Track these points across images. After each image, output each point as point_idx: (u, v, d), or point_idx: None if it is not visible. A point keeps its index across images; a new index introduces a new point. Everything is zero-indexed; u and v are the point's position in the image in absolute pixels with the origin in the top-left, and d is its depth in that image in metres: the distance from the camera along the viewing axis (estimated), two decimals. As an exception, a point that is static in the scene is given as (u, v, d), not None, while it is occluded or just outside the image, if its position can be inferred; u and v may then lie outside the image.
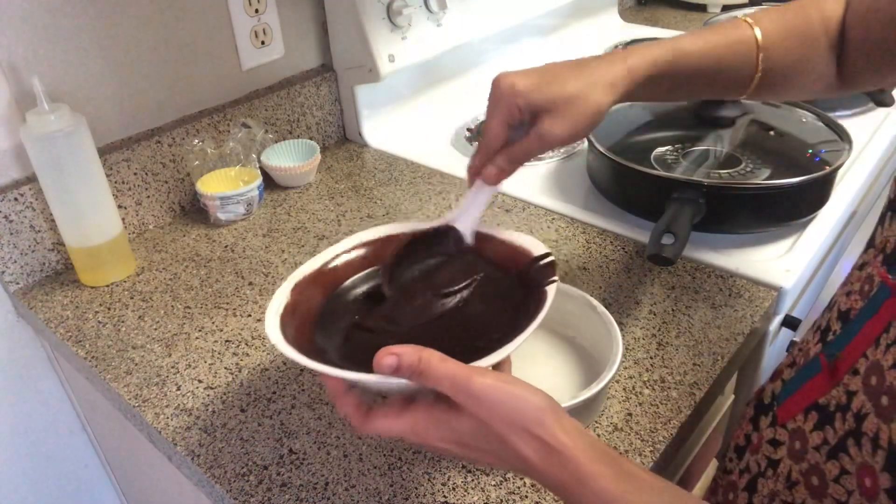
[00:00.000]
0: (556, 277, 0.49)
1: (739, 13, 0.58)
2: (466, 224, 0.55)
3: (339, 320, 0.51)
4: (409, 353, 0.38)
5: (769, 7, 0.58)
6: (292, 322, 0.48)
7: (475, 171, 0.53)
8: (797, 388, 0.45)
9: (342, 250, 0.56)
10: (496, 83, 0.51)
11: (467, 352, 0.41)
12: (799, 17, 0.56)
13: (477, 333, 0.48)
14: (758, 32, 0.55)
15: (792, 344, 0.65)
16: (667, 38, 0.55)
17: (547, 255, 0.52)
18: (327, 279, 0.54)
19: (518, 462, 0.37)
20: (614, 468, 0.36)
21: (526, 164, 0.54)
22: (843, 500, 0.38)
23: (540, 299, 0.47)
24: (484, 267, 0.54)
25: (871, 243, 0.46)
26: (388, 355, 0.38)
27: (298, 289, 0.51)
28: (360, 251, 0.56)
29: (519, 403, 0.36)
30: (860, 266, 0.45)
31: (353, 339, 0.49)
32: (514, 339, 0.43)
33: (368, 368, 0.41)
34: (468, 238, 0.55)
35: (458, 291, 0.51)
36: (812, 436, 0.41)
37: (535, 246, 0.53)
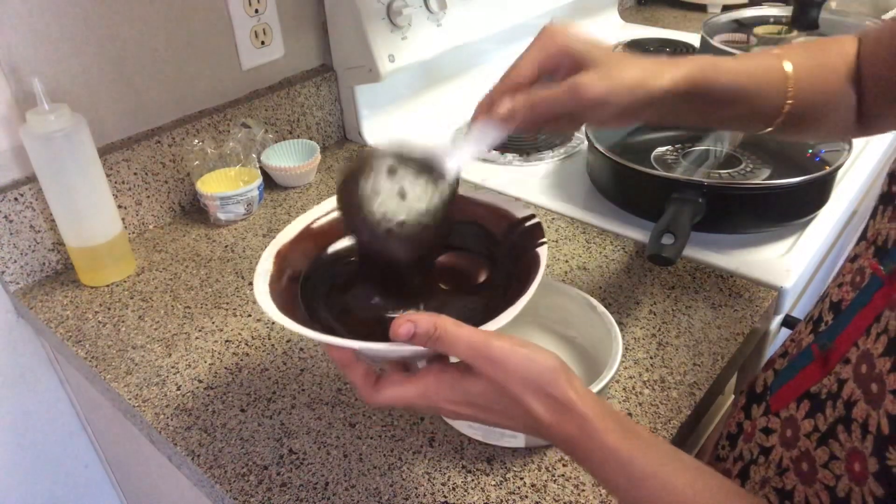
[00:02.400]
0: (545, 239, 0.47)
1: (772, 48, 0.57)
2: (455, 163, 0.47)
3: (330, 286, 0.50)
4: (424, 320, 0.39)
5: (794, 43, 0.58)
6: (279, 290, 0.47)
7: (486, 106, 0.47)
8: (790, 377, 0.46)
9: (324, 212, 0.53)
10: (546, 27, 0.46)
11: (465, 320, 0.41)
12: (822, 52, 0.57)
13: (473, 302, 0.48)
14: (787, 65, 0.54)
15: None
16: (700, 56, 0.54)
17: (531, 216, 0.50)
18: (311, 243, 0.52)
19: (529, 419, 0.38)
20: (621, 425, 0.38)
21: (541, 124, 0.47)
22: (831, 485, 0.38)
23: (534, 262, 0.46)
24: (473, 236, 0.52)
25: (863, 236, 0.46)
26: (405, 322, 0.39)
27: (280, 256, 0.49)
28: None
29: (534, 365, 0.38)
30: (852, 258, 0.46)
31: (347, 306, 0.48)
32: (515, 303, 0.42)
33: (365, 336, 0.41)
34: (452, 176, 0.47)
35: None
36: (804, 423, 0.42)
37: (517, 208, 0.51)
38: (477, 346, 0.38)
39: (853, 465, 0.37)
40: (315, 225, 0.53)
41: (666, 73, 0.48)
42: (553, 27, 0.47)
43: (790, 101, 0.54)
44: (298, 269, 0.50)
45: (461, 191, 0.50)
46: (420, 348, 0.39)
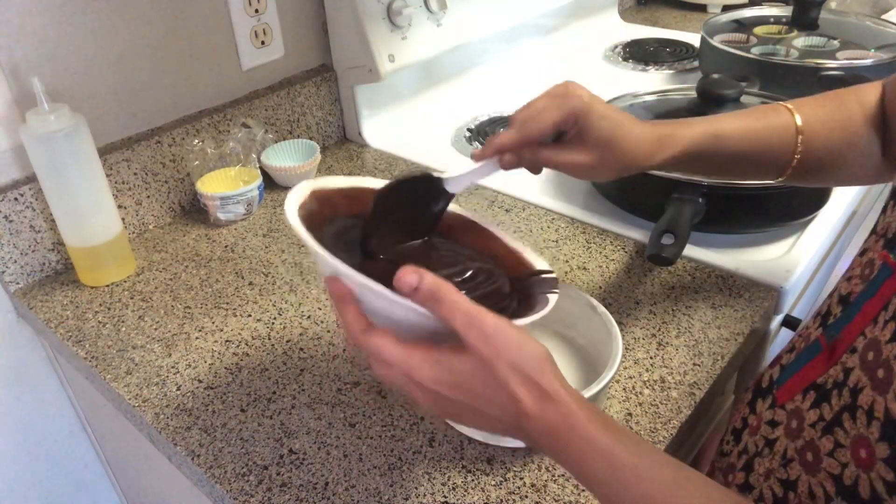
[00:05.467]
0: (557, 290, 0.48)
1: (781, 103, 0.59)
2: (455, 188, 0.52)
3: (347, 240, 0.50)
4: (431, 277, 0.38)
5: (808, 97, 0.59)
6: (305, 214, 0.47)
7: (497, 150, 0.51)
8: (797, 370, 0.46)
9: (368, 185, 0.53)
10: (568, 86, 0.51)
11: None
12: (837, 104, 0.57)
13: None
14: (798, 119, 0.56)
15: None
16: (707, 117, 0.57)
17: (549, 271, 0.51)
18: (342, 204, 0.52)
19: (511, 405, 0.38)
20: (602, 418, 0.38)
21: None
22: (836, 473, 0.38)
23: (541, 301, 0.47)
24: (489, 266, 0.53)
25: (873, 231, 0.46)
26: (412, 273, 0.38)
27: (315, 196, 0.49)
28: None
29: (525, 348, 0.38)
30: (861, 253, 0.46)
31: (359, 261, 0.48)
32: (532, 315, 0.43)
33: None
34: (445, 202, 0.53)
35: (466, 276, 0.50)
36: (809, 414, 0.42)
37: (536, 260, 0.53)
38: (473, 317, 0.37)
39: (859, 451, 0.37)
40: (357, 185, 0.53)
41: (661, 153, 0.54)
42: (576, 90, 0.51)
43: (798, 155, 0.56)
44: (326, 214, 0.50)
45: (492, 228, 0.55)
46: (418, 308, 0.39)
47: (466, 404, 0.39)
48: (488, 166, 0.52)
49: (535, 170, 0.54)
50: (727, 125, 0.56)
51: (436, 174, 0.51)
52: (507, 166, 0.52)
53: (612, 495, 0.37)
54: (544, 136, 0.51)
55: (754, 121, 0.57)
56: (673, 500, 0.35)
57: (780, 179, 0.59)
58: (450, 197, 0.52)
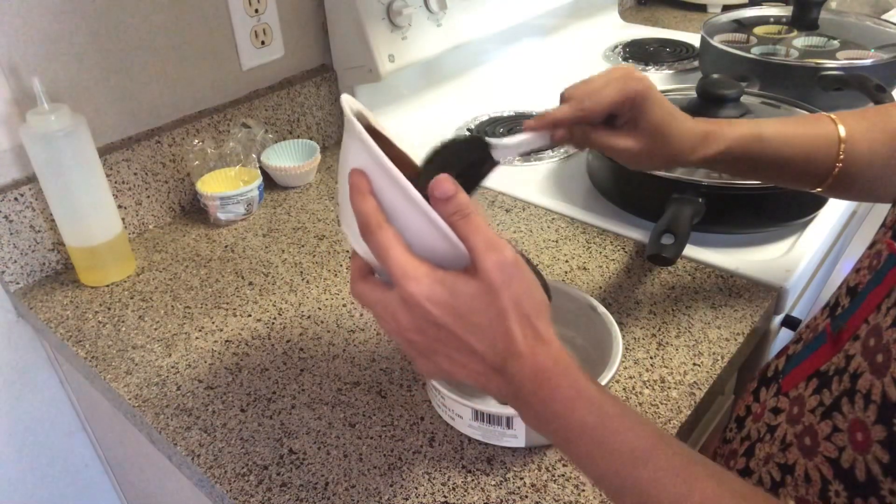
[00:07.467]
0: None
1: (826, 113, 0.59)
2: (502, 156, 0.52)
3: None
4: (466, 195, 0.38)
5: (852, 110, 0.59)
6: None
7: (552, 124, 0.52)
8: (803, 359, 0.46)
9: (401, 146, 0.53)
10: (628, 70, 0.52)
11: None
12: (882, 117, 0.58)
13: None
14: (841, 129, 0.57)
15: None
16: (751, 120, 0.57)
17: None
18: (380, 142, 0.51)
19: (503, 339, 0.37)
20: (587, 373, 0.38)
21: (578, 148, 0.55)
22: (833, 457, 0.39)
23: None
24: None
25: (883, 224, 0.47)
26: (450, 182, 0.38)
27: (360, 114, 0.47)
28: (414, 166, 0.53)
29: (532, 291, 0.38)
30: (871, 245, 0.47)
31: None
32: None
33: None
34: (490, 168, 0.52)
35: None
36: (809, 400, 0.42)
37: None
38: (494, 243, 0.37)
39: (855, 435, 0.37)
40: (394, 142, 0.52)
41: (704, 148, 0.55)
42: (632, 72, 0.52)
43: (840, 165, 0.56)
44: None
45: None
46: (439, 222, 0.38)
47: (453, 334, 0.38)
48: (539, 138, 0.52)
49: (582, 148, 0.55)
50: (770, 129, 0.57)
51: (487, 139, 0.51)
52: (557, 141, 0.52)
53: (595, 444, 0.36)
54: (600, 115, 0.52)
55: (797, 127, 0.57)
56: (656, 451, 0.35)
57: (819, 189, 0.59)
58: (495, 164, 0.51)
